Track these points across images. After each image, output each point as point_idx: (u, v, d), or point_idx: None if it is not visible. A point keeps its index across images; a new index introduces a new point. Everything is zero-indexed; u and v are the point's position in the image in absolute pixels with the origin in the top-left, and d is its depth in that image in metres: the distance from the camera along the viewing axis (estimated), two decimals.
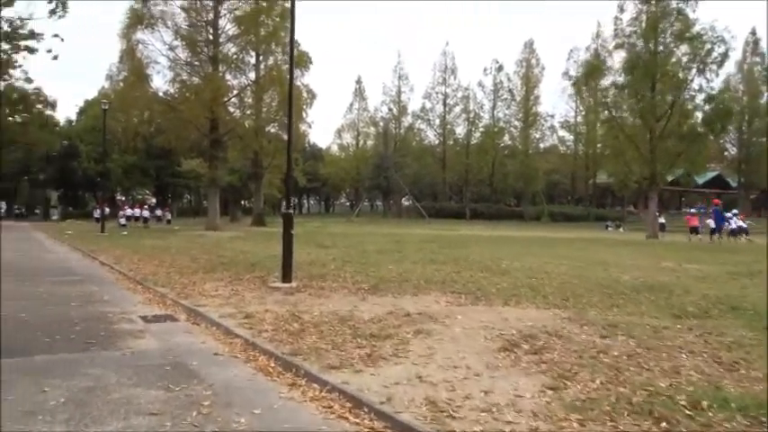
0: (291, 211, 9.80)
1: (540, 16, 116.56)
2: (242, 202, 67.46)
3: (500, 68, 66.39)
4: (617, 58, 29.95)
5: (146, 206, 47.40)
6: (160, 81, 35.91)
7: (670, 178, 33.78)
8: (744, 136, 61.04)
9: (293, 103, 9.83)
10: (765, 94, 58.21)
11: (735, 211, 30.21)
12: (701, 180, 65.25)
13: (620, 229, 48.17)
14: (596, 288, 8.87)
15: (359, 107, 76.06)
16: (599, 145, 63.92)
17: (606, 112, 31.22)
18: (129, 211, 41.11)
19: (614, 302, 7.66)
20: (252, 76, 35.75)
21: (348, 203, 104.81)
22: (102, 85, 47.95)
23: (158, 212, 47.44)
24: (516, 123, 67.95)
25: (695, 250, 18.33)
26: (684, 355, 5.03)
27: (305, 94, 35.98)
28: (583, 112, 66.29)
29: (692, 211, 33.26)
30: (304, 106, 35.39)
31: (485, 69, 67.24)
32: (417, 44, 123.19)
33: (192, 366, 5.05)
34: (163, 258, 14.28)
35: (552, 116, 67.50)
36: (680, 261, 13.32)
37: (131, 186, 66.92)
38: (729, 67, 49.35)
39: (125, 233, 28.84)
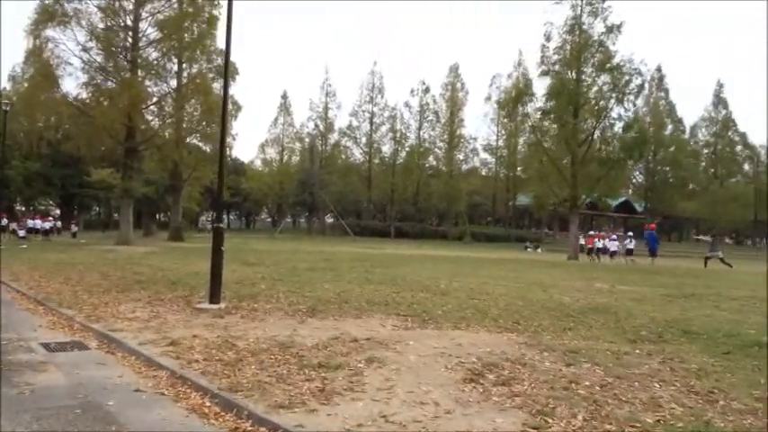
0: (222, 224, 8.96)
1: (464, 42, 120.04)
2: (157, 216, 64.19)
3: (427, 90, 67.46)
4: (541, 85, 30.99)
5: (49, 217, 43.98)
6: (71, 84, 33.58)
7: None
8: (650, 165, 65.02)
9: (226, 114, 9.06)
10: (669, 126, 62.58)
11: (630, 233, 31.99)
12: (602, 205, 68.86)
13: (538, 250, 49.66)
14: (542, 310, 8.62)
15: (284, 122, 74.81)
16: (519, 168, 66.28)
17: (532, 135, 32.10)
18: (30, 223, 37.89)
19: (565, 325, 7.40)
20: (173, 83, 34.16)
21: (270, 219, 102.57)
22: (4, 86, 44.31)
23: (56, 224, 42.88)
24: (440, 144, 69.10)
25: (619, 272, 18.84)
26: (657, 385, 4.73)
27: (230, 106, 34.63)
28: (504, 136, 68.52)
29: (591, 232, 34.74)
30: (229, 118, 34.03)
31: (411, 90, 68.06)
32: (347, 61, 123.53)
33: (109, 408, 4.21)
34: (69, 275, 12.89)
35: (475, 139, 69.34)
36: (611, 282, 13.49)
37: (33, 196, 62.09)
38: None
39: (24, 246, 26.38)
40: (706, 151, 72.09)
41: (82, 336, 6.92)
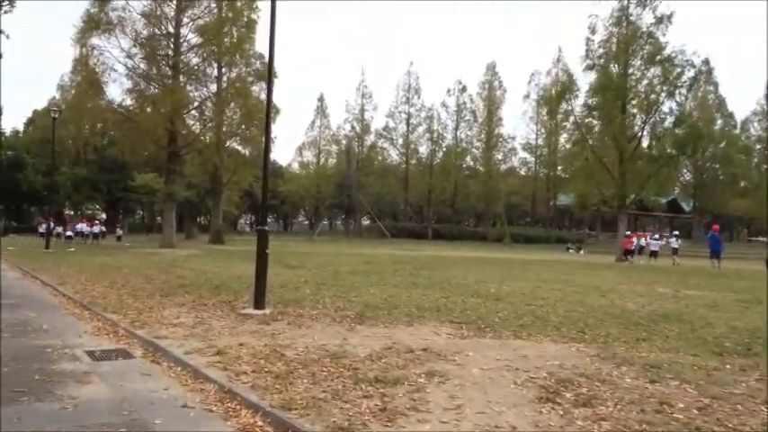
0: (266, 227, 8.66)
1: (502, 39, 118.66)
2: (198, 219, 65.15)
3: (463, 89, 66.64)
4: (585, 80, 29.99)
5: (96, 221, 44.98)
6: (116, 90, 34.15)
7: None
8: (699, 162, 62.62)
9: (270, 119, 8.75)
10: (719, 121, 60.20)
11: (676, 232, 30.66)
12: (651, 205, 66.71)
13: (581, 252, 48.29)
14: (607, 318, 8.04)
15: (321, 124, 75.16)
16: (560, 167, 64.85)
17: (575, 133, 31.09)
18: (77, 227, 38.77)
19: (637, 335, 6.82)
20: (213, 88, 34.44)
21: (307, 222, 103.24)
22: (53, 95, 45.51)
23: (98, 228, 42.81)
24: (478, 144, 68.18)
25: (677, 274, 17.92)
26: (765, 409, 4.16)
27: None
28: (544, 135, 67.15)
29: (628, 233, 33.64)
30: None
31: (448, 90, 67.40)
32: (383, 62, 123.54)
33: (155, 426, 3.89)
34: (114, 278, 12.85)
35: (513, 138, 68.15)
36: (673, 286, 12.73)
37: (81, 200, 63.86)
38: None
39: (72, 249, 26.87)
40: (758, 146, 69.04)
41: (127, 343, 6.69)
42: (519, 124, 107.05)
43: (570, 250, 48.70)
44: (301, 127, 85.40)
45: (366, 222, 73.78)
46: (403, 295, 10.03)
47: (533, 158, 69.00)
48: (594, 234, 65.17)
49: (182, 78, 29.20)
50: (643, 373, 5.07)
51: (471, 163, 68.36)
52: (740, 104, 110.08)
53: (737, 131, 67.83)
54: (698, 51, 31.90)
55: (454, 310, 8.55)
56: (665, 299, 10.31)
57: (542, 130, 67.27)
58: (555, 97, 31.56)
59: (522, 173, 72.90)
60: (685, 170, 66.58)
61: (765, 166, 66.78)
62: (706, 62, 64.86)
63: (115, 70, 28.53)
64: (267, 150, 8.74)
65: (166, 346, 6.10)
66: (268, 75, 9.26)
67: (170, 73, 28.96)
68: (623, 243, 27.84)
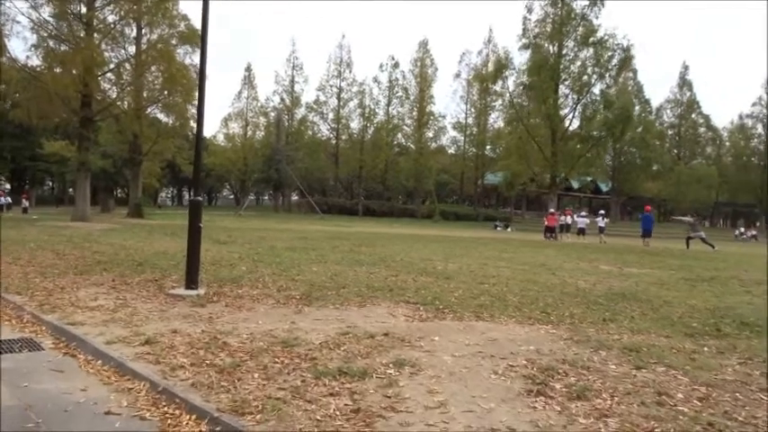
0: (200, 198, 7.73)
1: (434, 16, 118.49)
2: (114, 192, 61.53)
3: (396, 65, 66.12)
4: (520, 60, 30.08)
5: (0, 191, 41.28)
6: (20, 46, 30.99)
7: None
8: (617, 146, 65.32)
9: (203, 87, 7.71)
10: (637, 107, 62.77)
11: (602, 211, 31.78)
12: (576, 185, 69.32)
13: (508, 229, 49.25)
14: (564, 297, 7.76)
15: (248, 95, 72.51)
16: (488, 147, 65.90)
17: (506, 112, 31.26)
18: None
19: (601, 315, 6.53)
20: (132, 50, 32.04)
21: (232, 196, 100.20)
22: None
23: (2, 199, 39.07)
24: (409, 122, 67.99)
25: (612, 252, 18.26)
26: (764, 397, 3.85)
27: (193, 75, 32.56)
28: (473, 114, 67.81)
29: (552, 211, 34.49)
30: (193, 88, 32.00)
31: (381, 65, 66.63)
32: (314, 33, 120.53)
33: None
34: (18, 254, 11.42)
35: (444, 116, 68.42)
36: (614, 264, 12.80)
37: None
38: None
39: None
40: (670, 132, 72.98)
41: (34, 331, 5.68)
42: (449, 103, 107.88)
43: (498, 228, 49.55)
44: (227, 98, 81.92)
45: (295, 198, 72.30)
46: (348, 273, 9.39)
47: (462, 137, 69.62)
48: (520, 213, 66.88)
49: (96, 36, 26.77)
50: (625, 358, 4.71)
51: (402, 140, 68.20)
52: (655, 93, 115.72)
53: (653, 117, 71.30)
54: (627, 36, 32.80)
55: (406, 289, 8.01)
56: (612, 276, 10.24)
57: (472, 110, 67.92)
58: (491, 74, 31.55)
59: (452, 151, 73.52)
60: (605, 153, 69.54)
61: (675, 152, 70.69)
62: (626, 49, 67.62)
63: (18, 22, 25.77)
64: (201, 116, 7.75)
65: (83, 335, 5.17)
66: (202, 35, 8.20)
67: (83, 29, 26.48)
68: (548, 220, 28.37)
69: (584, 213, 29.49)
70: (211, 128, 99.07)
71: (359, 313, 6.44)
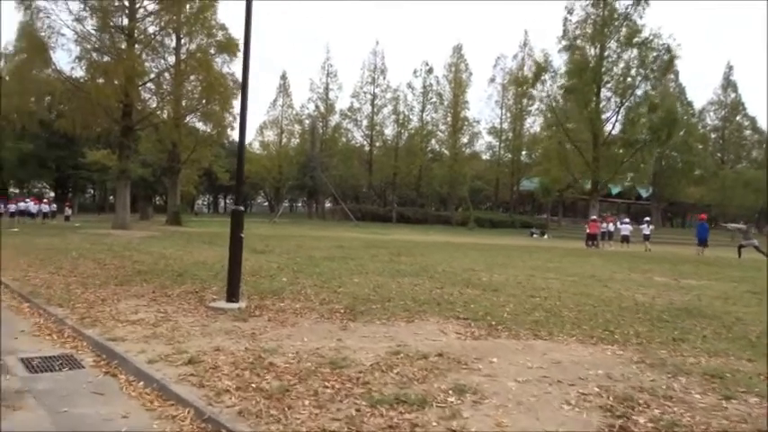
0: (242, 207, 7.53)
1: (469, 21, 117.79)
2: (153, 200, 62.66)
3: (430, 71, 65.67)
4: (558, 63, 29.38)
5: (45, 200, 42.38)
6: (65, 59, 31.76)
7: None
8: (660, 150, 63.52)
9: (246, 96, 7.49)
10: (679, 110, 60.92)
11: (647, 218, 30.67)
12: (614, 191, 67.64)
13: (545, 236, 48.26)
14: (624, 312, 7.27)
15: (283, 103, 73.24)
16: (524, 152, 64.92)
17: (545, 116, 30.54)
18: (23, 205, 36.27)
19: (669, 334, 6.04)
20: (171, 60, 32.49)
21: (266, 204, 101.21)
22: None
23: (47, 207, 39.34)
24: (443, 127, 67.49)
25: (665, 261, 17.48)
26: None
27: (231, 84, 32.82)
28: (508, 119, 66.90)
29: (594, 218, 33.44)
30: (230, 96, 32.24)
31: (415, 71, 66.31)
32: (348, 40, 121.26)
33: None
34: (60, 263, 11.46)
35: (478, 122, 67.64)
36: (668, 275, 12.17)
37: (26, 178, 60.44)
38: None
39: (15, 230, 24.88)
40: (714, 136, 70.66)
41: (74, 346, 5.52)
42: (484, 108, 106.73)
43: (534, 235, 48.61)
44: (263, 105, 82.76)
45: (328, 205, 72.45)
46: (392, 285, 9.07)
47: (498, 143, 68.68)
48: (556, 219, 65.58)
49: (137, 47, 27.20)
50: (709, 386, 4.26)
51: (437, 146, 67.72)
52: (698, 94, 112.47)
53: (695, 120, 69.10)
54: (673, 35, 31.41)
55: (454, 303, 7.64)
56: (670, 289, 9.66)
57: (507, 115, 67.03)
58: (532, 78, 30.89)
59: (486, 157, 72.61)
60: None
61: (719, 155, 68.40)
62: (668, 49, 65.84)
63: (63, 35, 26.33)
64: (243, 125, 7.55)
65: (124, 352, 4.97)
66: (245, 44, 8.02)
67: (124, 40, 26.94)
68: (591, 227, 27.56)
69: (626, 220, 28.55)
70: (247, 135, 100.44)
71: (407, 330, 6.10)
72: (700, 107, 70.33)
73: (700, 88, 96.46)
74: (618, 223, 27.95)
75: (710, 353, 5.28)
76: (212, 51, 29.19)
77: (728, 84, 69.88)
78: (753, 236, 22.90)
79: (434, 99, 66.61)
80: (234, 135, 63.55)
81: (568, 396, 4.00)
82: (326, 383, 4.15)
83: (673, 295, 8.82)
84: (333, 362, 4.71)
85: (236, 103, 31.38)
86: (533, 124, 64.12)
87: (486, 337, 5.87)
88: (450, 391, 4.03)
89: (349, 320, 6.48)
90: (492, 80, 67.27)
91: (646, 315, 7.06)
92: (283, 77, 73.71)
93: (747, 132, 71.10)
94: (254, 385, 4.09)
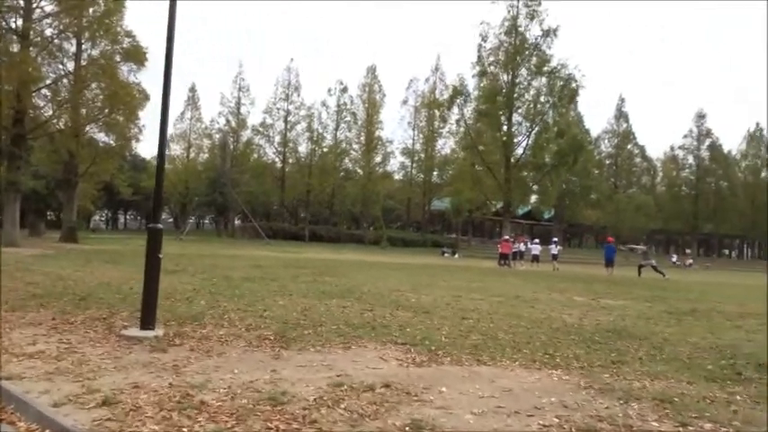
0: (160, 225, 6.87)
1: (382, 42, 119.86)
2: (46, 214, 58.10)
3: (345, 90, 65.84)
4: (473, 86, 30.25)
5: None
6: None
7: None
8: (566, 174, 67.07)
9: (167, 106, 6.88)
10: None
11: (555, 238, 32.14)
12: (519, 211, 70.61)
13: (456, 256, 49.32)
14: (557, 334, 7.29)
15: (192, 116, 70.75)
16: (435, 172, 66.41)
17: (467, 137, 31.28)
18: None
19: (608, 357, 6.07)
20: (71, 66, 30.31)
21: (171, 220, 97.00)
22: None
23: None
24: (356, 147, 67.72)
25: (578, 281, 18.13)
26: None
27: (137, 94, 31.03)
28: (421, 140, 68.21)
29: (506, 237, 34.72)
30: (136, 107, 30.44)
31: (329, 90, 66.24)
32: (259, 57, 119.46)
33: None
34: None
35: (391, 142, 68.42)
36: (585, 294, 12.55)
37: None
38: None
39: None
40: (608, 162, 75.69)
41: None
42: (396, 129, 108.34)
43: (446, 254, 49.51)
44: (170, 117, 79.34)
45: (237, 222, 70.30)
46: (320, 308, 8.64)
47: (410, 163, 69.73)
48: (466, 239, 67.33)
49: (32, 50, 25.09)
50: (662, 412, 4.22)
51: (350, 165, 67.74)
52: (594, 123, 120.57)
53: (591, 147, 73.77)
54: (578, 66, 33.14)
55: (389, 326, 7.35)
56: (593, 309, 9.90)
57: (420, 136, 68.35)
58: (448, 101, 31.59)
59: (399, 177, 73.50)
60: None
61: (612, 180, 73.27)
62: (575, 79, 70.04)
63: None
64: (164, 136, 6.94)
65: (23, 393, 4.25)
66: (167, 50, 7.37)
67: (18, 43, 24.80)
68: (503, 247, 28.42)
69: (537, 241, 29.68)
70: (151, 148, 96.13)
71: (345, 357, 5.74)
72: (596, 135, 75.24)
73: (595, 117, 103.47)
74: (529, 243, 29.00)
75: (651, 375, 5.32)
76: (117, 59, 27.53)
77: (621, 114, 75.30)
78: (651, 257, 24.44)
79: (348, 118, 66.77)
80: (138, 148, 60.32)
81: (530, 429, 3.81)
82: (269, 424, 3.72)
83: (597, 316, 9.02)
84: (272, 397, 4.26)
85: (143, 115, 29.68)
86: (444, 146, 65.89)
87: (428, 363, 5.62)
88: (408, 429, 3.71)
89: (281, 348, 6.01)
90: (405, 102, 68.58)
91: (579, 337, 7.11)
92: (192, 90, 71.41)
93: (637, 160, 76.82)
94: (185, 430, 3.58)
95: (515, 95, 28.10)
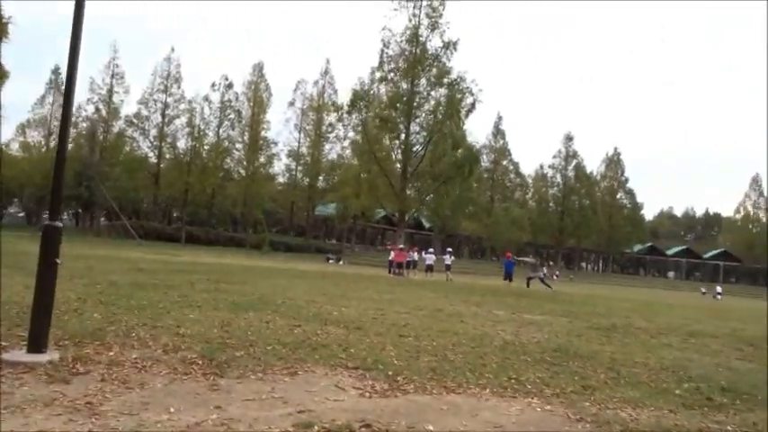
0: (59, 223, 5.57)
1: (269, 40, 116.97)
2: None
3: (230, 86, 63.14)
4: (373, 92, 29.97)
5: None
6: None
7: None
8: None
9: (73, 86, 5.65)
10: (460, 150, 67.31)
11: (449, 249, 32.87)
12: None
13: (341, 262, 48.85)
14: (506, 353, 6.93)
15: (54, 101, 64.19)
16: (320, 177, 65.64)
17: (364, 143, 30.85)
18: None
19: (570, 380, 5.75)
20: None
21: (21, 214, 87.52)
22: None
23: None
24: (239, 146, 65.12)
25: (482, 293, 18.23)
26: None
27: None
28: (307, 143, 67.10)
29: (401, 247, 35.03)
30: None
31: (213, 84, 63.06)
32: (141, 45, 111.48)
33: None
34: None
35: (276, 143, 66.58)
36: (502, 308, 12.48)
37: None
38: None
39: None
40: (485, 176, 79.47)
41: None
42: (282, 130, 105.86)
43: (330, 260, 48.85)
44: (26, 100, 71.38)
45: (102, 220, 64.65)
46: (240, 323, 7.62)
47: (295, 165, 68.33)
48: (349, 246, 67.15)
49: None
50: None
51: (232, 165, 64.95)
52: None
53: None
54: (475, 80, 34.33)
55: (327, 345, 6.56)
56: (523, 325, 9.75)
57: (306, 139, 67.24)
58: (348, 104, 30.96)
59: (281, 180, 71.65)
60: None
61: (489, 194, 76.94)
62: (471, 92, 72.64)
63: None
64: (67, 120, 5.68)
65: None
66: (75, 18, 6.07)
67: None
68: (398, 257, 28.38)
69: (431, 250, 29.97)
70: (4, 135, 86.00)
71: (296, 386, 4.90)
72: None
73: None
74: (423, 253, 29.19)
75: (630, 403, 5.04)
76: None
77: (498, 131, 79.48)
78: (539, 268, 25.52)
79: (232, 115, 64.09)
80: None
81: None
82: None
83: (531, 332, 8.83)
84: None
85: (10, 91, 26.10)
86: (330, 150, 65.43)
87: (393, 392, 4.94)
88: None
89: (215, 375, 5.03)
90: (292, 103, 67.24)
91: (529, 357, 6.79)
92: (56, 72, 64.85)
93: (512, 176, 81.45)
94: None
95: (416, 104, 28.30)
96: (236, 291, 11.66)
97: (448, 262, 28.05)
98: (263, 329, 7.23)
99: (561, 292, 22.26)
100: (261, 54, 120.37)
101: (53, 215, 5.51)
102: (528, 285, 23.73)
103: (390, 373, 5.53)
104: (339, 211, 49.21)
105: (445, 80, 28.16)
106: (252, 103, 65.27)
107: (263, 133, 64.44)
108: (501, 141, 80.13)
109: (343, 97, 31.55)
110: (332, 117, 65.16)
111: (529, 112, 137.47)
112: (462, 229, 75.00)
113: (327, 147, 66.01)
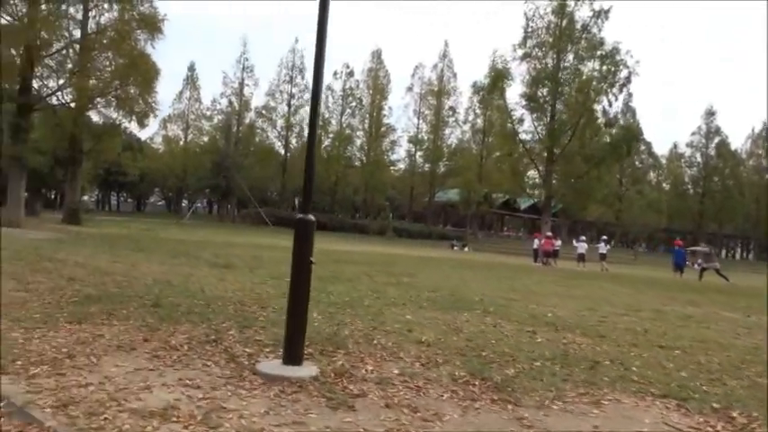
0: (312, 217, 4.97)
1: (389, 26, 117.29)
2: (47, 194, 55.58)
3: (351, 74, 63.78)
4: (517, 72, 28.26)
5: None
6: None
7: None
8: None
9: (320, 82, 4.97)
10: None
11: (605, 237, 30.53)
12: (523, 205, 69.12)
13: (466, 249, 47.59)
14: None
15: (190, 96, 68.22)
16: (442, 162, 64.57)
17: (508, 124, 29.27)
18: None
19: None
20: (77, 34, 27.86)
21: (161, 203, 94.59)
22: None
23: None
24: (360, 133, 65.68)
25: (664, 286, 16.40)
26: None
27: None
28: (425, 129, 66.25)
29: (549, 234, 32.91)
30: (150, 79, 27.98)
31: (335, 73, 63.99)
32: (267, 37, 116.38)
33: None
34: None
35: (395, 129, 66.39)
36: (719, 307, 10.80)
37: None
38: None
39: None
40: None
41: None
42: (401, 116, 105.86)
43: (456, 247, 47.76)
44: (169, 96, 76.41)
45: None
46: (469, 327, 6.74)
47: (417, 151, 67.79)
48: (471, 232, 65.68)
49: (42, 9, 22.60)
50: None
51: (355, 152, 65.72)
52: None
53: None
54: (631, 51, 31.13)
55: (599, 362, 5.48)
56: (754, 329, 8.12)
57: (423, 125, 66.47)
58: (490, 84, 29.51)
59: (402, 166, 71.45)
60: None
61: (618, 176, 71.95)
62: (627, 65, 68.15)
63: None
64: (315, 115, 5.01)
65: None
66: (319, 24, 5.42)
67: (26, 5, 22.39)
68: (545, 244, 26.79)
69: (583, 238, 28.00)
70: (149, 129, 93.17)
71: (614, 421, 3.90)
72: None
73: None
74: (574, 242, 27.33)
75: None
76: (134, 24, 25.13)
77: (627, 109, 73.65)
78: (714, 258, 22.87)
79: (354, 103, 64.74)
80: (132, 129, 57.13)
81: None
82: None
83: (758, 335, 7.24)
84: None
85: (158, 88, 27.47)
86: (450, 135, 64.20)
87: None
88: None
89: (508, 403, 4.14)
90: (410, 89, 66.60)
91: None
92: (191, 68, 68.83)
93: (644, 156, 75.60)
94: None
95: (563, 80, 26.30)
96: (418, 285, 10.95)
97: (603, 251, 25.99)
98: (503, 338, 6.30)
99: (744, 285, 19.67)
100: (378, 41, 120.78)
101: (305, 209, 4.89)
102: (701, 278, 21.26)
103: (716, 405, 4.36)
104: (463, 197, 47.75)
105: (598, 52, 25.79)
106: (372, 90, 65.46)
107: (384, 120, 64.49)
108: (631, 120, 74.50)
109: (462, 81, 29.99)
110: (451, 101, 63.96)
111: (656, 91, 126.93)
112: (587, 214, 70.72)
113: (447, 131, 64.77)
